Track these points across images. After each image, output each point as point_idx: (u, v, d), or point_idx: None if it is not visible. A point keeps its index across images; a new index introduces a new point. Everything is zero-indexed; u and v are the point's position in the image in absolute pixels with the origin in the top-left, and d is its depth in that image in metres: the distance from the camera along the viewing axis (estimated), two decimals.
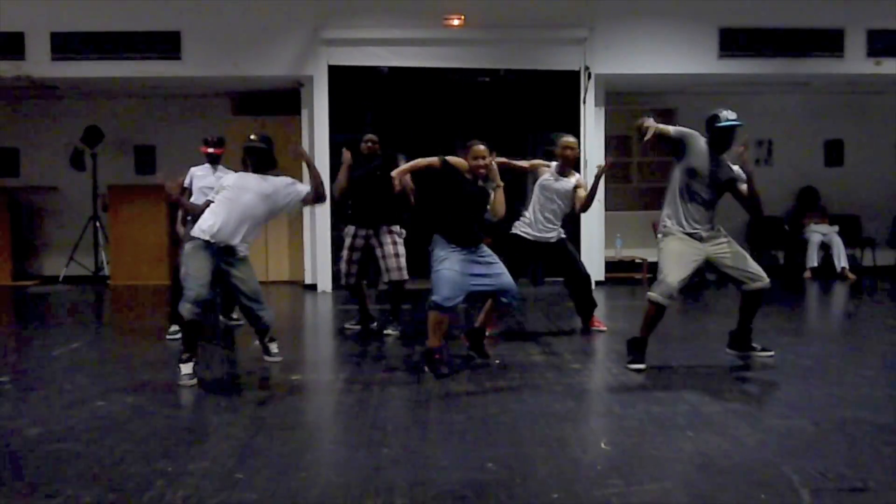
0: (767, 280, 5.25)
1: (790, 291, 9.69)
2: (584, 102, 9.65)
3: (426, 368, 5.05)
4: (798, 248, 11.00)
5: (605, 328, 6.60)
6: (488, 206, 5.24)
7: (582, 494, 3.07)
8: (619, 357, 5.45)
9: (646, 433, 3.82)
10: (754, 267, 5.26)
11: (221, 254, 4.96)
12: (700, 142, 5.26)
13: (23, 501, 3.04)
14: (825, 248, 10.74)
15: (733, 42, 9.67)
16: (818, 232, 10.74)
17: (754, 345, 5.49)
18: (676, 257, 5.14)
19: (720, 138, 5.22)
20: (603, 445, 3.66)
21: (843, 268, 10.51)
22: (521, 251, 6.36)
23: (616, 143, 10.61)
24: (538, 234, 6.34)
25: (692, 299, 8.92)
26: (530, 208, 6.41)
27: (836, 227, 10.80)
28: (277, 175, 5.19)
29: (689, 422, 3.97)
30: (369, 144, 6.56)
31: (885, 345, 6.30)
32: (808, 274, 10.59)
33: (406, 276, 6.44)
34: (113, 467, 3.36)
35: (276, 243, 10.66)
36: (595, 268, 9.98)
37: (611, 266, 10.36)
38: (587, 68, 9.57)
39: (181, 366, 4.86)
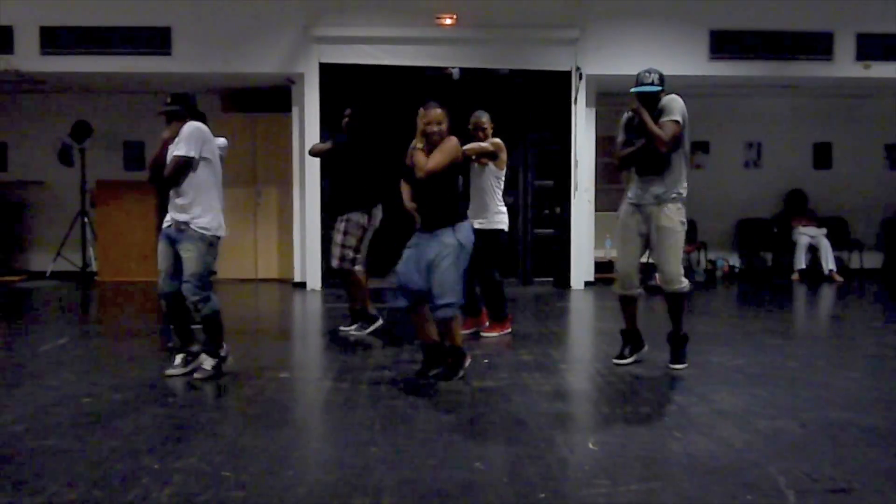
0: (676, 286, 5.04)
1: (778, 293, 9.74)
2: (576, 103, 9.67)
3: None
4: (786, 250, 11.06)
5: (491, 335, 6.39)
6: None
7: (569, 494, 3.08)
8: (607, 357, 5.46)
9: (633, 434, 3.83)
10: (667, 266, 5.04)
11: (175, 235, 4.87)
12: (625, 114, 5.27)
13: (7, 498, 3.02)
14: (813, 250, 10.80)
15: (724, 44, 9.70)
16: (806, 234, 10.80)
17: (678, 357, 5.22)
18: (618, 239, 5.23)
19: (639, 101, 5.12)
20: (590, 445, 3.67)
21: (830, 270, 10.57)
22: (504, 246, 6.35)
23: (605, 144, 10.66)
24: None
25: None
26: (499, 196, 6.34)
27: (824, 230, 10.87)
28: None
29: (677, 422, 3.99)
30: (346, 120, 6.53)
31: (872, 347, 6.33)
32: (795, 276, 10.64)
33: (341, 266, 6.28)
34: (99, 464, 3.34)
35: (265, 241, 10.64)
36: (584, 268, 10.02)
37: (600, 267, 10.38)
38: (578, 69, 9.58)
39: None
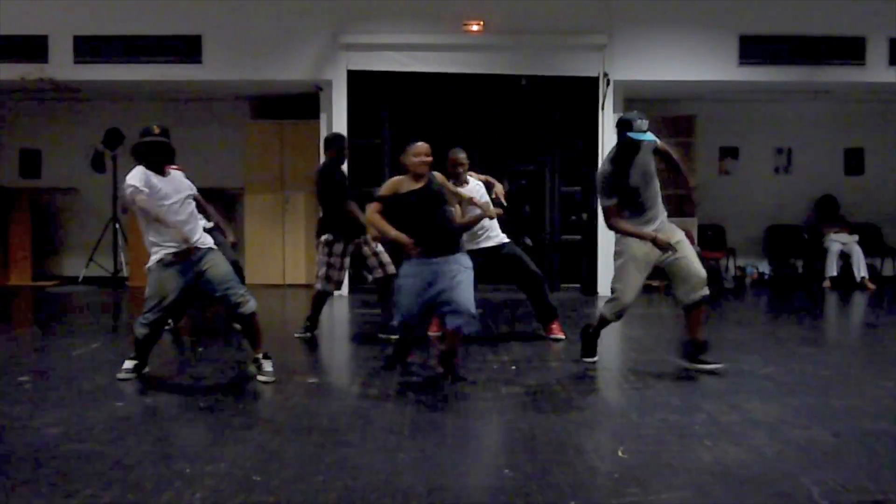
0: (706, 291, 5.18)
1: (809, 301, 9.62)
2: (603, 109, 9.63)
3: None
4: (817, 257, 10.91)
5: (563, 336, 6.45)
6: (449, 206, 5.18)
7: (598, 502, 3.07)
8: (636, 364, 5.43)
9: (663, 442, 3.80)
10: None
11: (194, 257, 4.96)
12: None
13: (42, 500, 3.07)
14: (844, 257, 10.64)
15: (753, 49, 9.61)
16: (838, 241, 10.64)
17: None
18: (635, 270, 5.31)
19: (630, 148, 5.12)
20: (620, 454, 3.65)
21: (862, 277, 10.41)
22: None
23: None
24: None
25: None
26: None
27: (856, 237, 10.70)
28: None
29: (707, 431, 3.95)
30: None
31: None
32: (826, 283, 10.49)
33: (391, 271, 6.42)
34: (131, 468, 3.38)
35: (293, 247, 10.70)
36: (611, 275, 9.93)
37: None
38: (606, 75, 9.54)
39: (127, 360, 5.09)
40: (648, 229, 5.12)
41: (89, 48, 9.48)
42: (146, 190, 4.88)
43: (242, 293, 4.94)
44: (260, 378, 4.97)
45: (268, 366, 5.02)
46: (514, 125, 10.16)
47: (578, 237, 10.23)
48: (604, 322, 5.39)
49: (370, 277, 6.58)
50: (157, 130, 4.99)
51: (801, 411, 4.33)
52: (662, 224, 5.23)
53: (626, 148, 5.08)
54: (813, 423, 4.08)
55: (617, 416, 4.51)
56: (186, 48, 9.47)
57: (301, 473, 3.32)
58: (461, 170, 6.25)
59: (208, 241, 5.07)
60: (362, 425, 4.21)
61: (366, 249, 6.50)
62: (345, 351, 6.65)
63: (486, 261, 6.24)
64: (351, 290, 9.64)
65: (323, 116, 9.85)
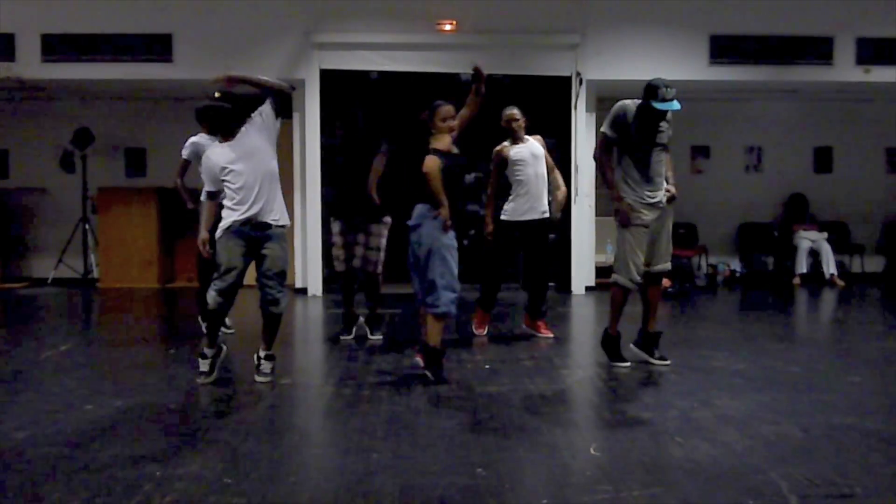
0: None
1: (779, 298, 9.73)
2: (576, 108, 9.68)
3: (428, 373, 4.97)
4: (787, 254, 11.06)
5: (551, 335, 6.51)
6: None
7: (571, 500, 3.08)
8: (608, 362, 5.46)
9: (635, 439, 3.82)
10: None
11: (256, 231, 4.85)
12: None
13: None
14: (814, 254, 10.80)
15: (724, 49, 9.71)
16: (807, 238, 10.80)
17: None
18: (644, 236, 5.34)
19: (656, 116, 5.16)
20: (592, 451, 3.67)
21: (831, 274, 10.56)
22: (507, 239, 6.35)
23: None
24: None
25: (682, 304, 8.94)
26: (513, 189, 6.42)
27: (826, 234, 10.86)
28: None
29: (678, 428, 3.98)
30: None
31: (873, 351, 6.32)
32: (796, 280, 10.64)
33: (378, 270, 6.33)
34: (100, 471, 3.34)
35: None
36: (585, 273, 10.02)
37: (601, 272, 10.38)
38: (578, 74, 9.59)
39: (200, 360, 4.98)
40: (653, 200, 5.20)
41: (57, 47, 9.34)
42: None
43: (279, 294, 4.91)
44: (257, 378, 4.99)
45: (266, 367, 5.03)
46: (487, 124, 10.16)
47: (553, 235, 10.25)
48: (623, 294, 5.39)
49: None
50: (216, 96, 4.86)
51: (771, 407, 4.38)
52: (662, 201, 5.26)
53: (647, 114, 5.12)
54: (782, 419, 4.13)
55: (590, 414, 4.54)
56: (157, 47, 9.37)
57: (273, 475, 3.30)
58: (516, 125, 6.29)
59: (283, 219, 4.93)
60: (335, 426, 4.20)
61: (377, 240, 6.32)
62: (318, 351, 6.61)
63: (531, 232, 6.32)
64: (324, 290, 9.60)
65: (296, 116, 9.80)
